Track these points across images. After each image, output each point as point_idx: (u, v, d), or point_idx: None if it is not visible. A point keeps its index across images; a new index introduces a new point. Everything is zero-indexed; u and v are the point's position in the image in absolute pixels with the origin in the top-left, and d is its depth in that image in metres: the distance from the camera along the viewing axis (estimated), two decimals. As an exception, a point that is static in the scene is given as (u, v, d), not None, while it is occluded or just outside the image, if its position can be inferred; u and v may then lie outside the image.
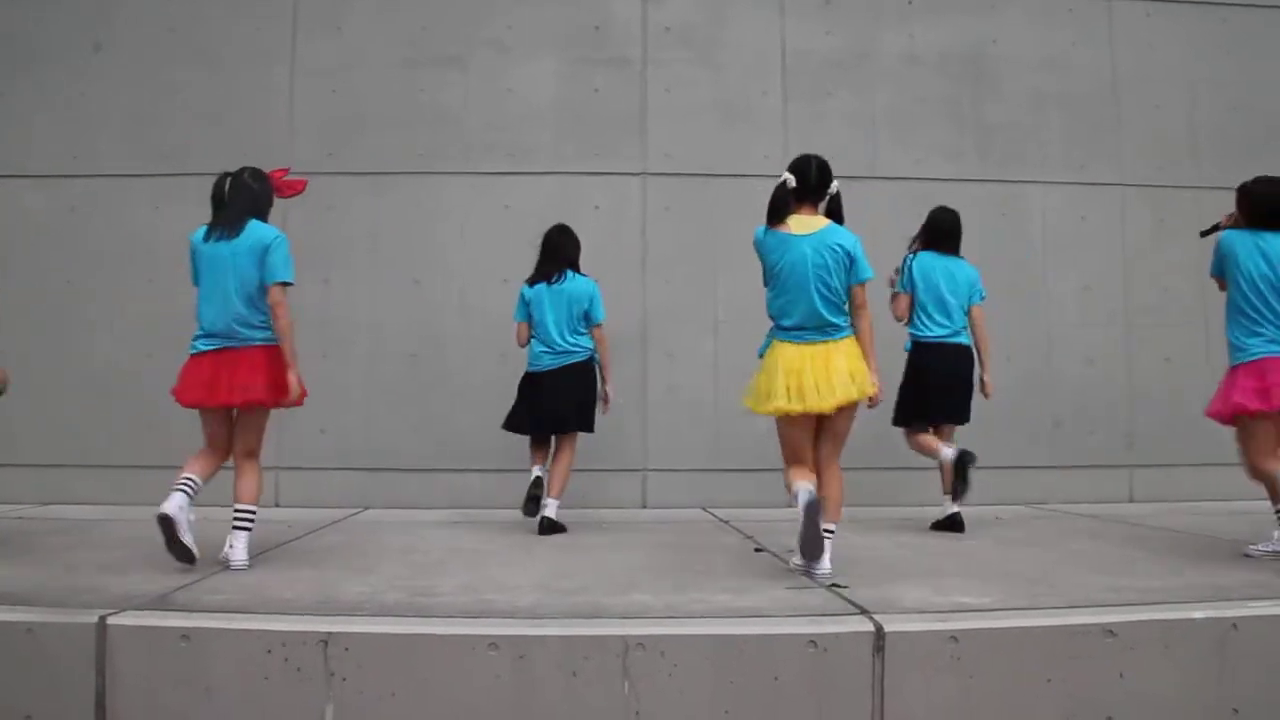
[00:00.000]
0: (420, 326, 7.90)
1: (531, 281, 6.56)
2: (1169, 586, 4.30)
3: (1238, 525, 6.51)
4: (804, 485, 4.52)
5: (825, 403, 4.56)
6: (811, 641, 3.52)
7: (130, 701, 3.49)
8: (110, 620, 3.58)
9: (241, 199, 4.97)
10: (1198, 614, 3.77)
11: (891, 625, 3.60)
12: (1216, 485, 7.64)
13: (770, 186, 5.48)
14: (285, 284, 4.86)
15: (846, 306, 4.71)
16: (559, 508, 6.35)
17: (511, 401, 6.60)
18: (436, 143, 8.03)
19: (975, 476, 6.55)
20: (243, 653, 3.52)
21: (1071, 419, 7.95)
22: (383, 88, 8.05)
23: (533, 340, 6.53)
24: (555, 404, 6.42)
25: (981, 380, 6.57)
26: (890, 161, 8.17)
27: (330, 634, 3.51)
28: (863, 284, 4.71)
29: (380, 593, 4.19)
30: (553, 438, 6.56)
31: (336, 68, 8.05)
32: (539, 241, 6.72)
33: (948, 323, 6.43)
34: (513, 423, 6.57)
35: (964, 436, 7.82)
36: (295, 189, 5.28)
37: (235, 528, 4.82)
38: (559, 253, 6.58)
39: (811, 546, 4.47)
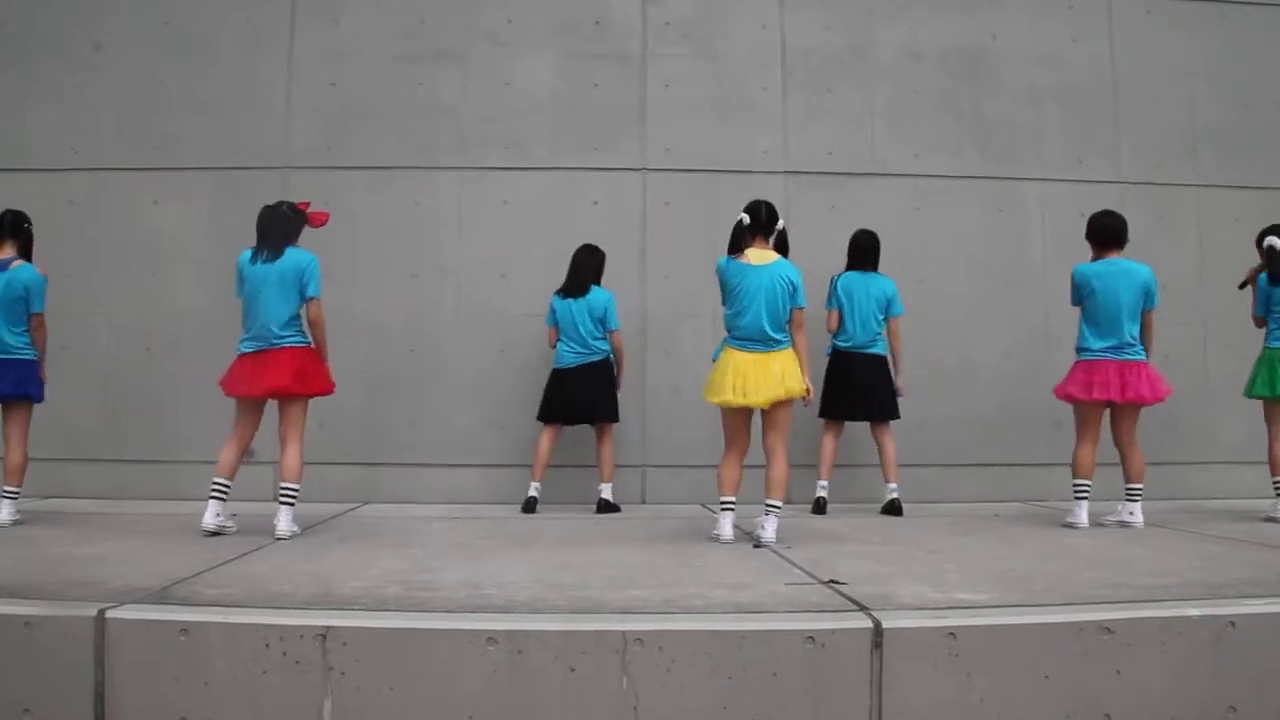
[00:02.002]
0: (418, 321, 7.90)
1: (561, 294, 7.34)
2: (1166, 584, 4.29)
3: (1235, 523, 6.53)
4: (727, 518, 5.74)
5: (761, 398, 5.62)
6: (810, 637, 3.52)
7: (129, 695, 3.49)
8: (109, 614, 3.58)
9: (281, 228, 5.88)
10: (1194, 612, 3.77)
11: (890, 621, 3.60)
12: (1214, 483, 7.66)
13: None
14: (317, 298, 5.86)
15: (786, 326, 5.71)
16: (611, 489, 7.35)
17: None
18: (434, 137, 8.03)
19: (969, 473, 6.86)
20: (241, 646, 3.52)
21: (1069, 416, 7.95)
22: (380, 81, 8.04)
23: (559, 342, 7.35)
24: (578, 396, 7.29)
25: (895, 384, 7.43)
26: (889, 157, 8.18)
27: (329, 628, 3.52)
28: (800, 308, 5.73)
29: (378, 587, 4.19)
30: (592, 431, 7.48)
31: (334, 61, 8.04)
32: (569, 259, 7.41)
33: (861, 335, 7.28)
34: (541, 412, 7.41)
35: (959, 432, 7.88)
36: (322, 220, 6.05)
37: (280, 502, 5.73)
38: (585, 270, 7.37)
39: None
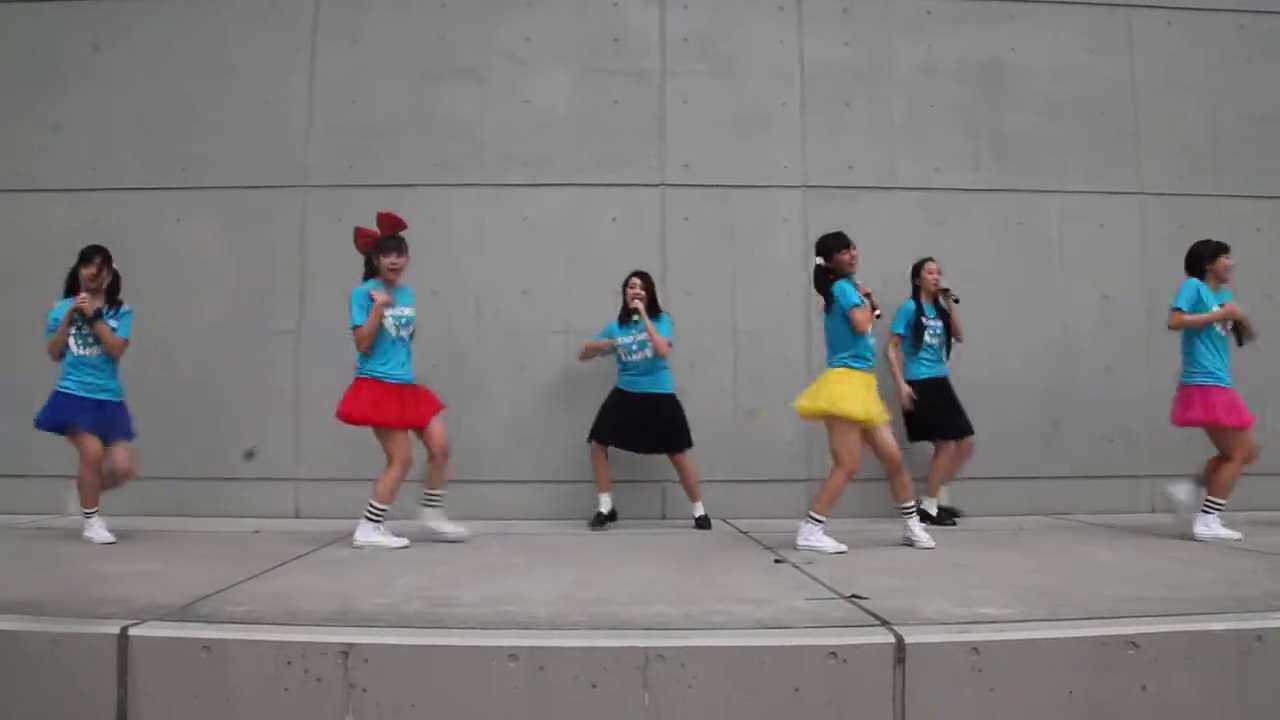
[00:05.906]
0: (440, 338, 7.89)
1: None
2: (1192, 598, 4.26)
3: (1261, 535, 6.47)
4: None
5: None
6: (832, 653, 3.50)
7: (151, 712, 3.50)
8: (132, 631, 3.59)
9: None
10: (1221, 626, 3.74)
11: (912, 637, 3.58)
12: (1239, 496, 7.58)
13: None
14: None
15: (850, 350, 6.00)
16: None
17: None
18: (454, 154, 8.06)
19: (994, 486, 6.88)
20: (263, 664, 3.53)
21: (1092, 429, 7.91)
22: (400, 99, 8.09)
23: None
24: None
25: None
26: (908, 171, 8.16)
27: (350, 645, 3.52)
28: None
29: (400, 604, 4.20)
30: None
31: (354, 80, 8.09)
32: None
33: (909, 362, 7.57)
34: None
35: (983, 445, 7.80)
36: (390, 224, 6.38)
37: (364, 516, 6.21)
38: None
39: None
